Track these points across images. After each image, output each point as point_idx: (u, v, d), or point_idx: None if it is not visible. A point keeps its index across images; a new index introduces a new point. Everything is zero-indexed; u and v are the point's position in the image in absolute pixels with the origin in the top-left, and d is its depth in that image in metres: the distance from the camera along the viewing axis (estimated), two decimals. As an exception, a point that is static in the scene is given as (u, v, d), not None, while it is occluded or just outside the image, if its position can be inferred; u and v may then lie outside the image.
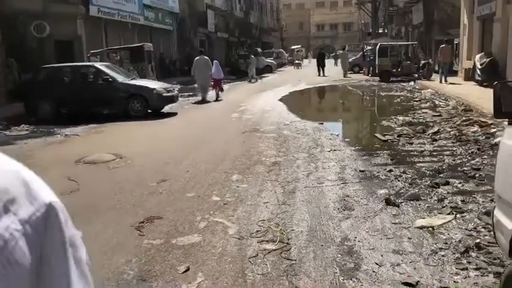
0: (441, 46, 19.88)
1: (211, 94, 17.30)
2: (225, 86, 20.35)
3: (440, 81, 18.70)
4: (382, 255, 3.72)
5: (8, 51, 16.12)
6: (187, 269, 3.59)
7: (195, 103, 16.45)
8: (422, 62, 22.63)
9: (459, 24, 21.15)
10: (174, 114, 13.40)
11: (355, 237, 4.11)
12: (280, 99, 16.88)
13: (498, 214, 2.85)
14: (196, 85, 17.81)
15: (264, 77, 32.16)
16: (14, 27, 16.82)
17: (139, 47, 18.14)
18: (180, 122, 12.24)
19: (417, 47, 24.14)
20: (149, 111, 12.94)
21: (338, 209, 4.89)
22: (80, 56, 18.85)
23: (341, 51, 32.29)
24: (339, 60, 33.22)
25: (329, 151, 7.73)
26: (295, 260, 3.70)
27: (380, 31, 41.20)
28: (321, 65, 30.41)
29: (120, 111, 12.72)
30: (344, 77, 28.16)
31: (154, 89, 12.94)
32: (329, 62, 33.80)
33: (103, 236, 4.33)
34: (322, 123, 10.79)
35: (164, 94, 13.07)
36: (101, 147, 8.68)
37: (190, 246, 4.04)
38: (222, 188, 5.80)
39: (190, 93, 19.58)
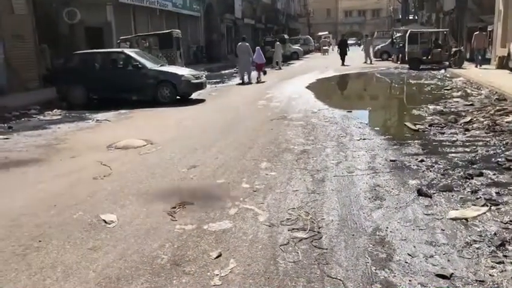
0: (475, 33, 19.84)
1: (253, 76, 19.14)
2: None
3: (476, 66, 19.38)
4: (414, 246, 3.69)
5: (41, 37, 16.46)
6: (220, 255, 3.64)
7: (238, 84, 18.30)
8: (454, 49, 22.04)
9: (493, 10, 20.46)
10: (202, 100, 13.49)
11: (387, 228, 4.08)
12: (308, 87, 16.77)
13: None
14: (237, 68, 20.01)
15: (290, 63, 32.00)
16: (47, 14, 17.17)
17: (168, 33, 18.26)
18: (208, 108, 12.31)
19: (448, 34, 23.53)
20: (178, 97, 13.05)
21: (369, 198, 4.85)
22: (109, 42, 19.12)
23: (365, 38, 31.86)
24: (362, 47, 32.73)
25: (358, 140, 7.65)
26: (326, 249, 3.70)
27: (410, 17, 40.28)
28: (342, 53, 28.66)
29: (149, 97, 12.88)
30: (365, 63, 28.13)
31: (182, 75, 13.02)
32: (357, 50, 33.26)
33: (136, 220, 4.42)
34: (351, 111, 10.68)
35: (193, 81, 13.15)
36: (132, 133, 8.83)
37: (222, 232, 4.09)
38: (251, 175, 5.82)
39: (218, 80, 19.66)
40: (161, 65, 13.86)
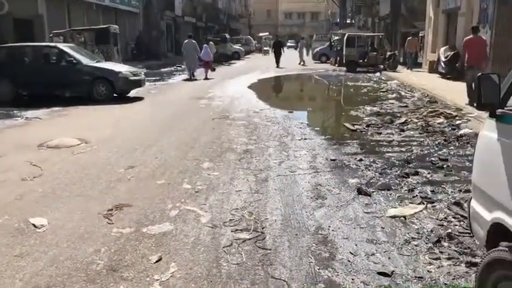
0: (408, 38, 21.15)
1: (198, 73, 19.69)
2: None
3: (407, 69, 20.88)
4: (356, 245, 3.73)
5: (-37, 28, 15.27)
6: (160, 259, 3.48)
7: (184, 80, 18.87)
8: (389, 53, 23.00)
9: (424, 17, 21.56)
10: (140, 99, 13.08)
11: (329, 226, 4.10)
12: (249, 87, 16.78)
13: (475, 205, 2.88)
14: (183, 65, 20.67)
15: (232, 63, 31.95)
16: (-30, 3, 15.95)
17: (105, 28, 17.60)
18: (147, 107, 11.95)
19: (384, 38, 24.50)
20: (115, 95, 12.57)
21: (311, 197, 4.87)
22: (41, 36, 18.10)
23: (300, 41, 32.84)
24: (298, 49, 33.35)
25: (300, 140, 7.72)
26: (270, 250, 3.65)
27: (347, 21, 41.56)
28: (277, 55, 27.46)
29: (84, 94, 12.30)
30: (299, 64, 28.93)
31: (120, 72, 12.57)
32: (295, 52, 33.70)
33: (69, 224, 4.15)
34: (292, 112, 10.78)
35: (130, 78, 12.72)
36: (65, 131, 8.35)
37: (162, 235, 3.92)
38: (193, 175, 5.68)
39: (157, 78, 19.21)
40: (97, 61, 13.30)
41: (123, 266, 3.39)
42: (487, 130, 2.77)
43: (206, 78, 19.05)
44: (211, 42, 27.55)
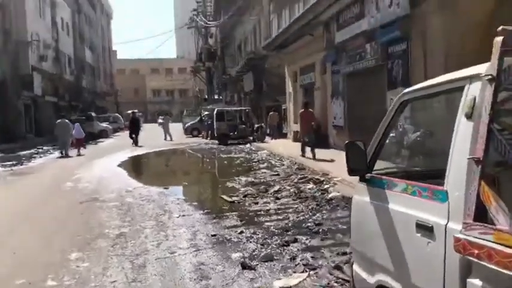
0: (270, 113, 23.22)
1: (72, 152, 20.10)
2: (55, 154, 20.73)
3: (272, 139, 22.80)
4: (246, 326, 3.53)
5: None
6: None
7: (58, 158, 19.37)
8: (256, 125, 24.24)
9: (285, 92, 23.37)
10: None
11: (216, 309, 3.86)
12: (120, 165, 16.09)
13: (357, 269, 2.93)
14: (58, 143, 20.70)
15: (99, 141, 30.67)
16: None
17: None
18: (2, 194, 10.65)
19: (250, 112, 25.86)
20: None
21: (194, 279, 4.59)
22: None
23: (163, 117, 33.01)
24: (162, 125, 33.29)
25: (178, 217, 7.44)
26: None
27: (215, 97, 43.28)
28: (133, 133, 25.36)
29: None
30: (165, 140, 28.65)
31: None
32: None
33: None
34: (167, 188, 10.49)
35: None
36: None
37: None
38: (59, 269, 5.03)
39: (14, 162, 17.46)
40: None
41: None
42: (359, 194, 2.90)
43: (79, 155, 19.95)
44: (66, 121, 26.08)
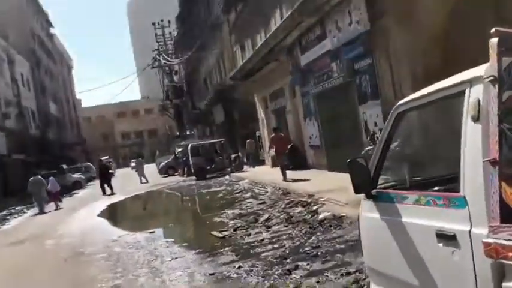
0: (247, 141, 23.03)
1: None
2: (27, 213, 20.54)
3: (250, 167, 22.81)
4: None
5: None
6: None
7: (35, 215, 19.04)
8: (233, 156, 24.14)
9: (257, 119, 23.46)
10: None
11: None
12: (99, 215, 15.65)
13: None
14: (34, 200, 20.46)
15: (74, 194, 29.90)
16: None
17: None
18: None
19: (225, 143, 25.74)
20: None
21: (202, 323, 4.41)
22: None
23: (135, 159, 32.46)
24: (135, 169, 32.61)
25: (170, 260, 7.21)
26: None
27: (187, 132, 43.08)
28: (105, 182, 23.62)
29: None
30: (141, 182, 27.93)
31: None
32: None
33: None
34: (154, 232, 10.21)
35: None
36: None
37: None
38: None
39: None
40: None
41: None
42: (367, 211, 2.85)
43: (57, 209, 19.69)
44: (39, 177, 25.32)
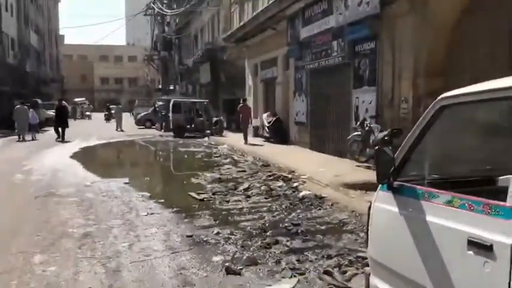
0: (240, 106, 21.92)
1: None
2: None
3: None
4: None
5: None
6: None
7: (17, 141, 20.51)
8: (215, 119, 23.78)
9: (244, 85, 23.03)
10: None
11: (209, 321, 3.58)
12: (72, 156, 15.24)
13: (377, 281, 2.76)
14: (16, 127, 21.70)
15: (46, 131, 29.12)
16: None
17: None
18: None
19: (209, 104, 25.30)
20: None
21: (178, 286, 4.27)
22: None
23: (115, 106, 32.10)
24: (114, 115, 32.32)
25: (146, 215, 7.02)
26: None
27: (171, 88, 42.24)
28: (60, 126, 21.52)
29: None
30: (116, 130, 27.94)
31: None
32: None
33: None
34: (128, 183, 9.97)
35: None
36: None
37: None
38: (23, 274, 4.55)
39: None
40: None
41: None
42: (383, 203, 2.71)
43: (33, 139, 21.43)
44: (23, 106, 24.63)
